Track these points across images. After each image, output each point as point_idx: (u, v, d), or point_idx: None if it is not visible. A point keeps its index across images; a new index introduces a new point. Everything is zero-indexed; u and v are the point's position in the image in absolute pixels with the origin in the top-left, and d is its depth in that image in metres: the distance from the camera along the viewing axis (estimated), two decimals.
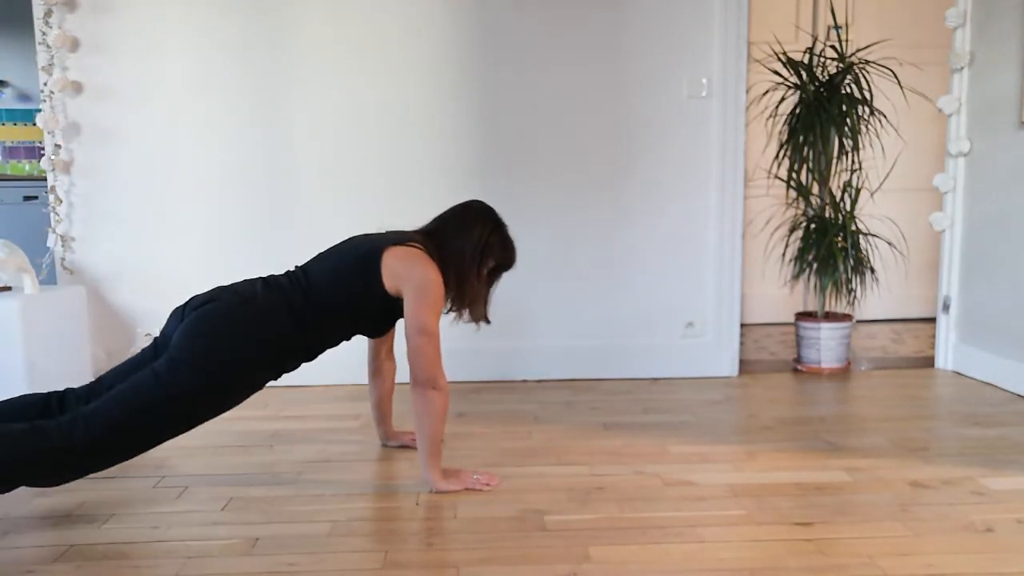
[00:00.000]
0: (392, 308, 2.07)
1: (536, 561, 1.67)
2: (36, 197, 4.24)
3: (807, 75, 3.38)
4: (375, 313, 2.09)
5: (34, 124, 3.81)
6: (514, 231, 3.22)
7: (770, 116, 3.45)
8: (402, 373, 2.34)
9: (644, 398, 3.01)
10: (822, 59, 3.41)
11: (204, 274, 3.19)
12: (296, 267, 2.15)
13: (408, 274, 2.01)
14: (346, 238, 2.21)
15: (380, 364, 2.37)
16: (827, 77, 3.38)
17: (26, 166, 4.75)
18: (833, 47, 3.40)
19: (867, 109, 3.35)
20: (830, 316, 3.45)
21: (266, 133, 3.17)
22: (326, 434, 2.56)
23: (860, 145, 3.38)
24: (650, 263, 3.30)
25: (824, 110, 3.30)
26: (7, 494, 1.85)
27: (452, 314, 2.16)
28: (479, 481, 2.07)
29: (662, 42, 3.19)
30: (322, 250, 2.19)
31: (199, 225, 3.19)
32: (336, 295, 2.02)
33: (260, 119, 3.16)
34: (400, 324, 2.12)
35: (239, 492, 2.07)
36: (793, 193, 3.47)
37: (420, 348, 1.97)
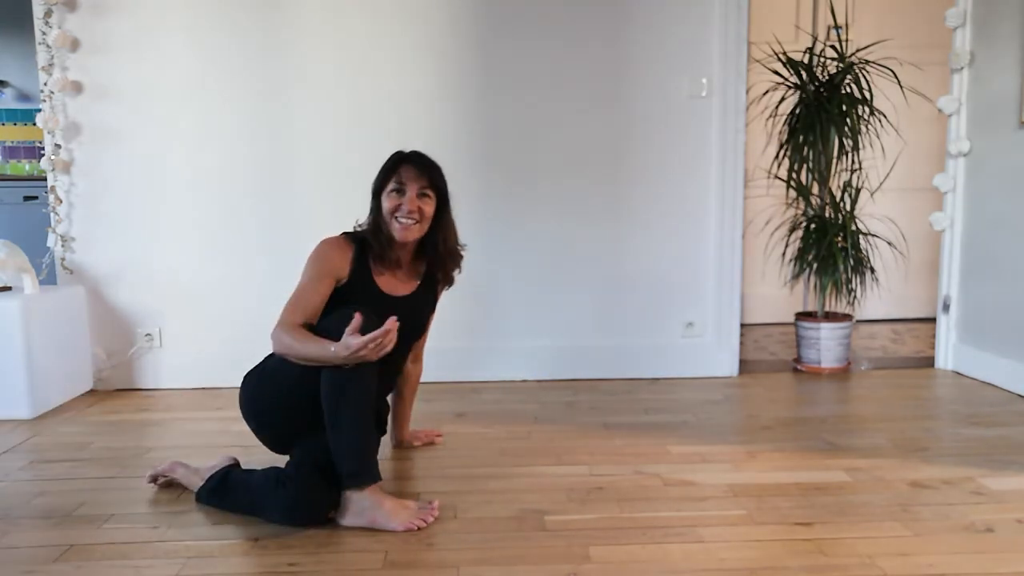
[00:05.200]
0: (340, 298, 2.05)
1: (536, 561, 1.67)
2: (36, 197, 4.24)
3: (807, 75, 3.38)
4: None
5: (34, 124, 3.81)
6: (514, 231, 3.26)
7: (770, 116, 3.45)
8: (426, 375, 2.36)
9: (644, 398, 3.01)
10: (822, 59, 3.41)
11: (204, 274, 3.20)
12: None
13: None
14: None
15: (403, 366, 2.33)
16: (827, 77, 3.38)
17: (26, 166, 4.75)
18: (833, 47, 3.40)
19: (867, 109, 3.35)
20: (830, 316, 3.45)
21: (266, 133, 3.17)
22: None
23: (860, 145, 3.38)
24: (650, 263, 3.30)
25: (824, 110, 3.30)
26: (7, 494, 1.85)
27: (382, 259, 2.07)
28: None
29: (662, 42, 3.19)
30: None
31: (199, 225, 3.19)
32: None
33: (260, 119, 3.16)
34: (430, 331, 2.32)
35: None
36: (793, 193, 3.47)
37: None
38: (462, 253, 2.19)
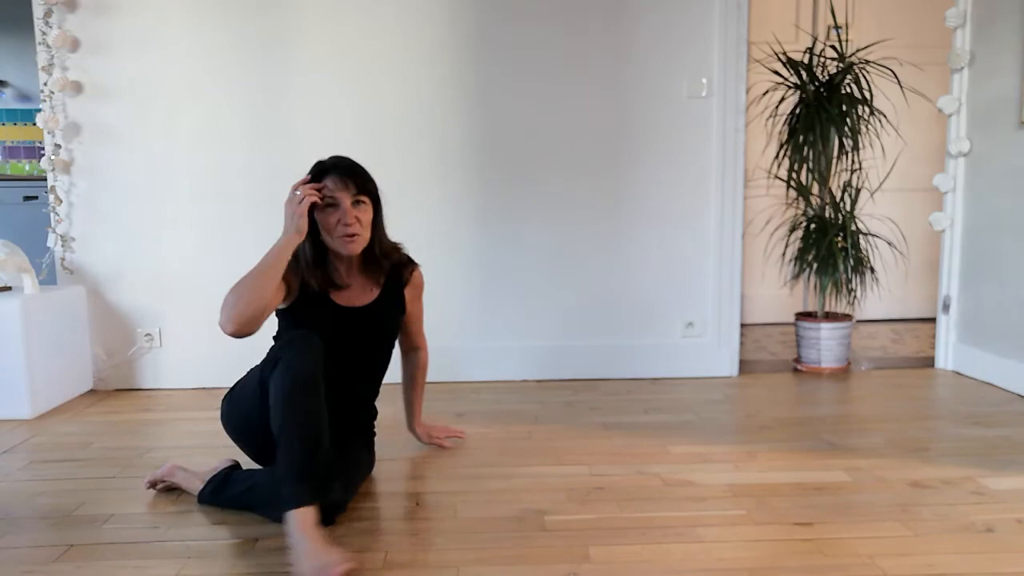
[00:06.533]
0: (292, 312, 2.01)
1: (536, 561, 1.67)
2: (36, 197, 4.24)
3: (807, 75, 3.38)
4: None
5: (34, 124, 3.81)
6: (514, 231, 3.26)
7: (770, 116, 3.45)
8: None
9: (644, 398, 3.01)
10: (822, 59, 3.41)
11: (204, 274, 3.20)
12: None
13: None
14: None
15: (402, 351, 2.36)
16: (827, 77, 3.38)
17: (26, 166, 4.75)
18: (833, 47, 3.40)
19: (867, 109, 3.35)
20: (830, 316, 3.45)
21: (266, 133, 3.17)
22: None
23: (860, 145, 3.38)
24: (650, 263, 3.30)
25: (824, 110, 3.30)
26: (7, 494, 1.85)
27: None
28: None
29: (662, 42, 3.19)
30: None
31: (199, 225, 3.19)
32: None
33: (260, 119, 3.16)
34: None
35: None
36: (793, 193, 3.47)
37: None
38: (400, 249, 2.12)
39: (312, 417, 1.72)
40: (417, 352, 2.35)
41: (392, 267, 2.11)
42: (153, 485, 2.08)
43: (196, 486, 2.01)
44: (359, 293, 2.06)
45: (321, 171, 1.96)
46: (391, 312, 2.14)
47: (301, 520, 1.62)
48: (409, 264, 2.16)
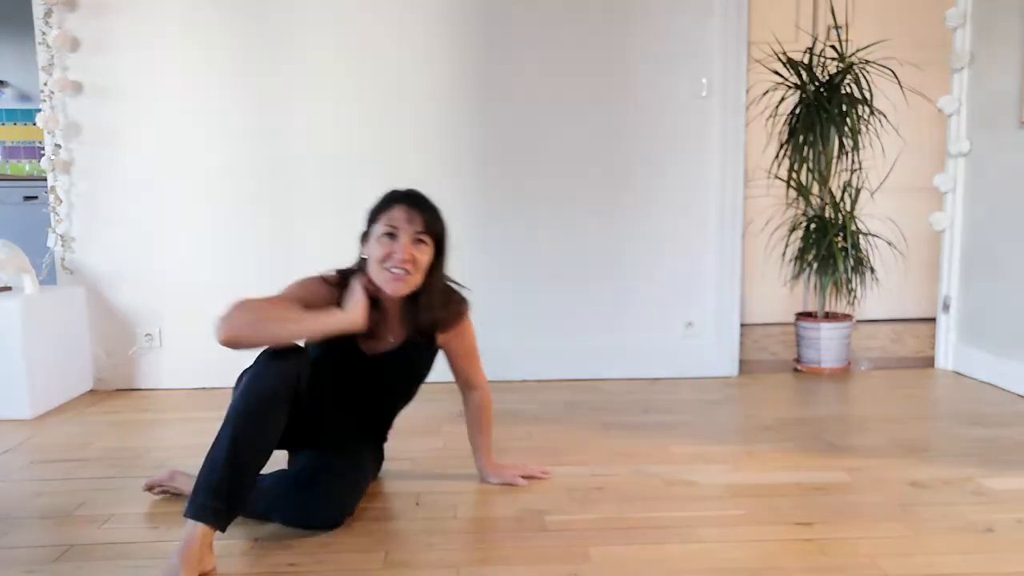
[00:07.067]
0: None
1: (536, 561, 1.67)
2: (36, 197, 4.24)
3: (807, 75, 3.38)
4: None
5: (34, 124, 3.81)
6: (514, 230, 3.26)
7: (770, 116, 3.45)
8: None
9: (644, 398, 3.01)
10: (822, 59, 3.41)
11: (204, 274, 3.20)
12: None
13: None
14: None
15: (460, 389, 2.15)
16: (827, 77, 3.38)
17: (26, 166, 4.75)
18: (833, 47, 3.40)
19: (867, 109, 3.35)
20: (830, 316, 3.45)
21: (266, 133, 3.17)
22: None
23: (860, 145, 3.38)
24: (650, 263, 3.30)
25: (824, 110, 3.30)
26: (7, 494, 1.84)
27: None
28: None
29: (662, 42, 3.19)
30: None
31: (199, 225, 3.19)
32: None
33: (260, 119, 3.16)
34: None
35: None
36: (793, 193, 3.47)
37: None
38: (453, 302, 1.92)
39: (247, 445, 1.61)
40: (473, 392, 2.12)
41: (420, 315, 1.87)
42: (151, 488, 2.03)
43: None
44: (386, 335, 1.89)
45: (392, 198, 1.83)
46: (417, 356, 1.96)
47: (190, 534, 1.57)
48: (440, 318, 1.92)
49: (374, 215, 1.84)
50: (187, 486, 1.95)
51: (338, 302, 1.79)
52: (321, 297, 1.79)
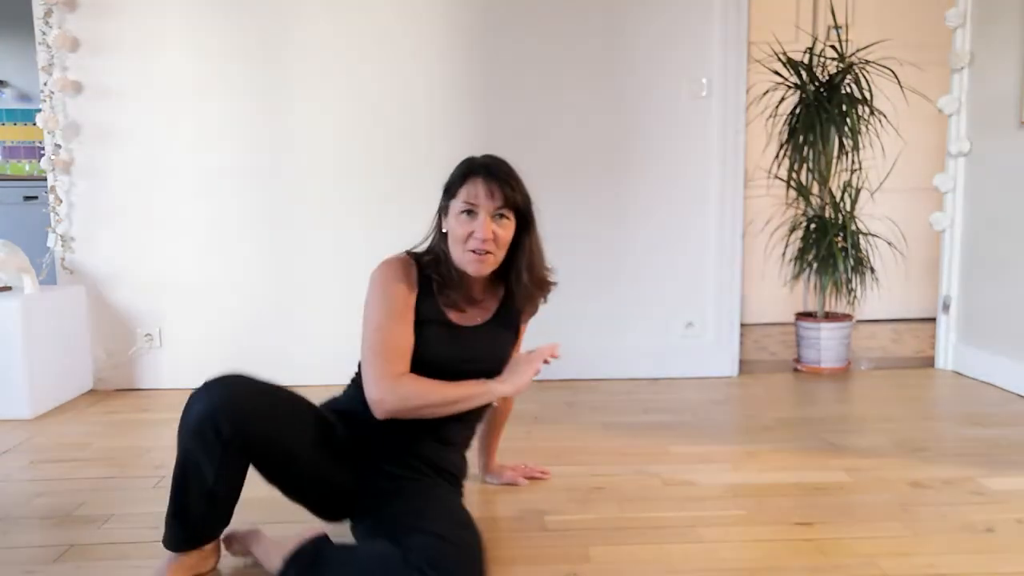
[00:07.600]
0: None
1: (536, 561, 1.67)
2: (36, 197, 4.24)
3: (807, 75, 3.38)
4: None
5: (34, 124, 3.81)
6: None
7: (770, 116, 3.45)
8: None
9: (644, 398, 3.01)
10: (822, 59, 3.41)
11: (204, 274, 3.20)
12: None
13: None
14: None
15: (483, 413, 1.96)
16: (827, 77, 3.38)
17: (26, 166, 4.75)
18: (833, 47, 3.40)
19: (867, 109, 3.35)
20: (830, 316, 3.45)
21: (266, 132, 3.17)
22: None
23: (860, 145, 3.38)
24: (650, 263, 3.30)
25: (824, 110, 3.30)
26: (7, 494, 1.84)
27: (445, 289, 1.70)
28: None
29: (662, 42, 3.19)
30: None
31: (199, 225, 3.19)
32: None
33: (260, 118, 3.16)
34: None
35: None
36: (793, 193, 3.47)
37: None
38: (551, 280, 1.80)
39: (190, 469, 1.55)
40: (506, 400, 2.02)
41: (519, 294, 1.76)
42: (228, 544, 1.70)
43: (274, 564, 1.55)
44: (473, 311, 1.75)
45: (468, 170, 1.67)
46: (503, 339, 1.81)
47: (166, 564, 1.58)
48: (540, 295, 1.82)
49: (451, 188, 1.70)
50: (264, 556, 1.63)
51: (419, 284, 1.68)
52: (404, 294, 1.66)
